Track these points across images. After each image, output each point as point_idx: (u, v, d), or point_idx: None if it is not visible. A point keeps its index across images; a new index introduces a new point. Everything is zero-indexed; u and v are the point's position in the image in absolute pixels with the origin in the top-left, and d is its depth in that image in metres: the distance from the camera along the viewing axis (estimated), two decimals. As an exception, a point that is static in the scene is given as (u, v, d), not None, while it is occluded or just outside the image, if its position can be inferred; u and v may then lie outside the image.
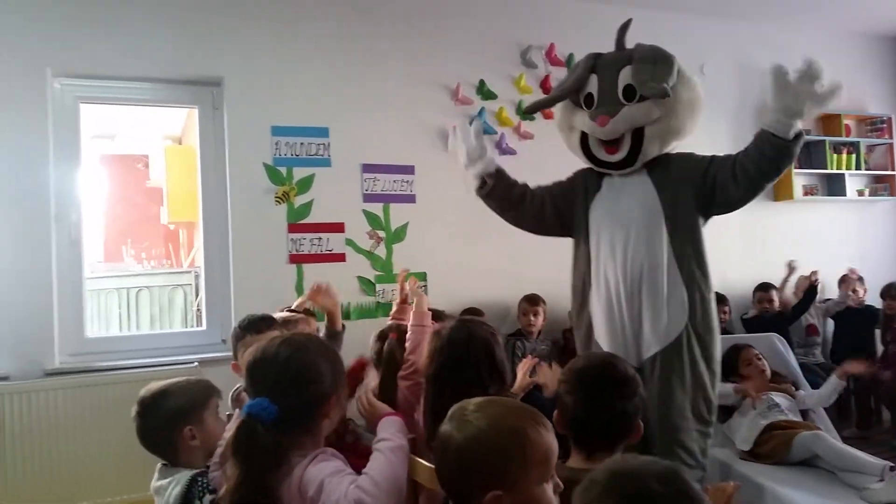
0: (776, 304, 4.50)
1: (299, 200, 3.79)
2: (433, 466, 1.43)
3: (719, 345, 2.20)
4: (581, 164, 2.53)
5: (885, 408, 4.42)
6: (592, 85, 2.30)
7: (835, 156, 5.10)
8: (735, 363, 3.17)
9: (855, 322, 4.62)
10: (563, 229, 2.51)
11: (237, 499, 1.27)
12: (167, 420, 1.69)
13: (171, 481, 1.65)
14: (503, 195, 2.52)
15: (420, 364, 1.99)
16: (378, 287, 3.93)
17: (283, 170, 3.77)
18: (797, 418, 3.04)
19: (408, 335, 2.07)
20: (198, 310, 4.82)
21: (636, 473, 1.00)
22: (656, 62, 2.17)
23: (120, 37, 3.50)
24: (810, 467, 2.72)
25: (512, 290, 4.13)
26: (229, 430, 1.37)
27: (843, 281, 4.73)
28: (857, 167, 5.18)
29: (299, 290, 3.69)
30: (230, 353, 2.38)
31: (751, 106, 4.81)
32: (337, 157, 3.88)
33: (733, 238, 4.52)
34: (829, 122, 5.22)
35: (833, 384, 3.12)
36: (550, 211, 2.50)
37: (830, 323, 4.81)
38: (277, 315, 2.41)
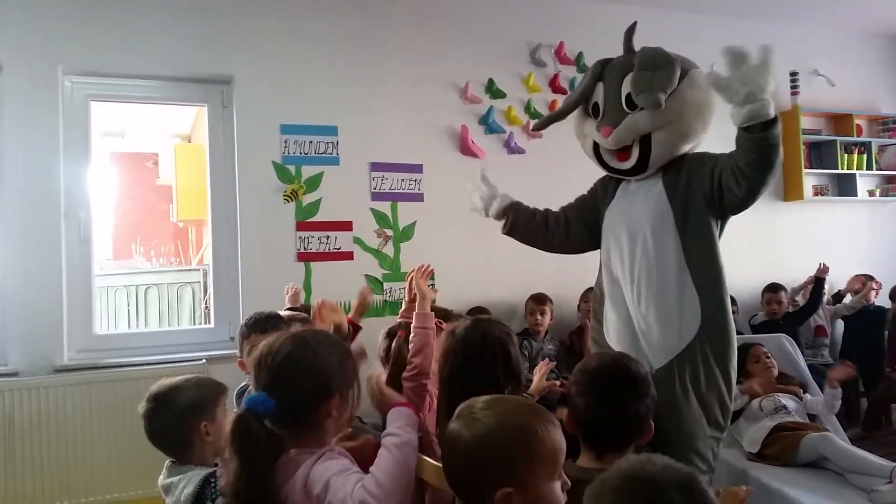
0: (785, 305, 4.48)
1: (308, 199, 3.80)
2: (440, 465, 1.43)
3: (735, 349, 2.17)
4: (589, 163, 2.51)
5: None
6: (599, 94, 2.28)
7: (846, 156, 5.06)
8: (742, 360, 3.16)
9: (865, 323, 4.59)
10: (596, 242, 2.47)
11: (237, 489, 1.28)
12: (181, 414, 1.69)
13: (181, 479, 1.64)
14: (525, 224, 2.50)
15: (423, 366, 1.98)
16: (386, 286, 3.94)
17: (292, 168, 3.78)
18: (804, 419, 3.03)
19: (411, 337, 2.06)
20: (206, 307, 4.85)
21: (654, 480, 0.97)
22: (657, 69, 2.13)
23: (130, 35, 3.51)
24: (818, 469, 2.71)
25: (519, 290, 4.12)
26: (227, 424, 1.38)
27: (858, 285, 4.70)
28: (869, 167, 5.13)
29: (307, 288, 3.70)
30: (238, 351, 2.39)
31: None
32: (345, 155, 3.89)
33: (742, 238, 4.50)
34: (841, 122, 5.18)
35: (830, 395, 3.11)
36: (577, 227, 2.48)
37: (840, 324, 4.78)
38: (284, 313, 2.41)
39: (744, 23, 4.83)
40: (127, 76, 3.60)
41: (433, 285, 3.85)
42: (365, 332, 2.55)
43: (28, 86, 3.34)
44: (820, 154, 5.10)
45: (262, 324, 2.25)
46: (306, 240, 3.79)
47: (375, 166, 3.96)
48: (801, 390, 3.22)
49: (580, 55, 4.38)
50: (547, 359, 2.47)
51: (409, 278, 2.62)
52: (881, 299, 4.69)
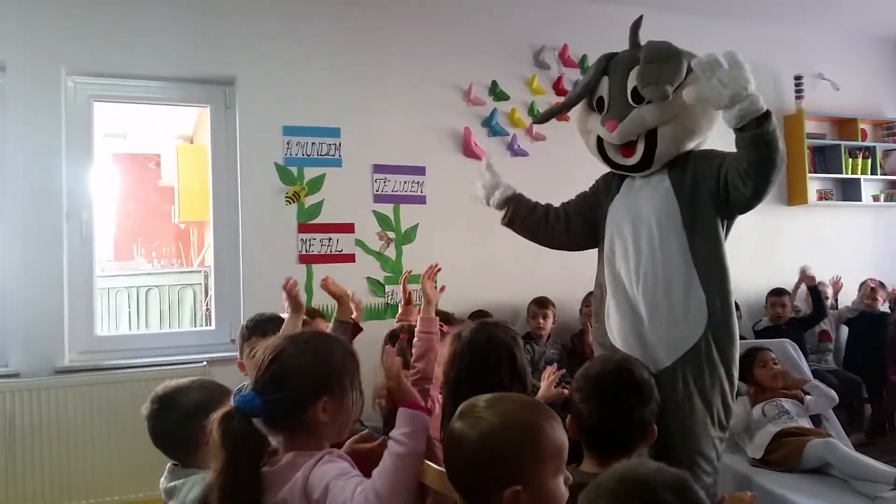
0: (789, 309, 4.46)
1: (310, 200, 3.79)
2: (442, 469, 1.42)
3: (738, 349, 2.16)
4: (593, 165, 2.49)
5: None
6: (604, 88, 2.25)
7: (850, 160, 5.05)
8: (750, 363, 3.14)
9: (867, 326, 4.57)
10: (595, 240, 2.44)
11: (220, 484, 1.28)
12: (186, 416, 1.67)
13: (185, 483, 1.62)
14: (526, 216, 2.47)
15: (426, 371, 1.97)
16: (388, 288, 3.92)
17: (294, 170, 3.78)
18: (808, 424, 3.02)
19: (415, 341, 2.05)
20: (207, 309, 4.84)
21: (648, 482, 0.98)
22: (665, 61, 2.11)
23: (133, 35, 3.51)
24: (822, 475, 2.70)
25: (521, 293, 4.11)
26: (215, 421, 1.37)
27: (862, 287, 4.69)
28: (873, 172, 5.12)
29: (309, 290, 3.69)
30: (238, 353, 2.38)
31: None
32: (348, 157, 3.88)
33: (746, 242, 4.47)
34: (845, 126, 5.17)
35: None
36: (577, 222, 2.44)
37: (844, 329, 4.76)
38: (285, 316, 2.40)
39: (748, 26, 4.82)
40: (129, 77, 3.60)
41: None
42: (366, 335, 2.54)
43: (31, 86, 3.34)
44: (824, 158, 5.10)
45: (263, 326, 2.25)
46: (308, 242, 3.78)
47: (378, 168, 3.95)
48: (803, 394, 3.20)
49: (584, 58, 4.37)
50: (556, 364, 2.43)
51: (403, 282, 2.61)
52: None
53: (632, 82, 2.17)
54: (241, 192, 3.70)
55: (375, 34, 3.98)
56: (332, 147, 3.86)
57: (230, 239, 3.74)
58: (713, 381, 2.07)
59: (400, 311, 2.66)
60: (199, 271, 5.63)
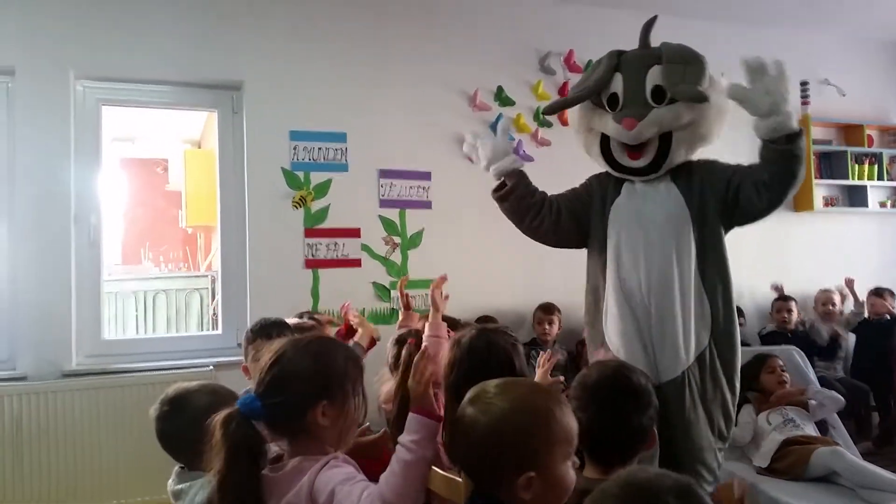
0: (794, 315, 4.45)
1: (316, 205, 3.80)
2: (447, 475, 1.42)
3: (739, 359, 2.15)
4: (599, 169, 2.43)
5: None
6: (617, 84, 2.17)
7: (856, 166, 5.03)
8: (757, 370, 3.13)
9: (874, 331, 4.54)
10: (581, 239, 2.37)
11: (220, 486, 1.29)
12: (195, 419, 1.67)
13: (192, 485, 1.63)
14: (521, 198, 2.35)
15: (437, 373, 1.96)
16: (393, 293, 3.92)
17: (301, 174, 3.79)
18: (814, 432, 3.00)
19: (424, 345, 2.04)
20: (214, 313, 4.85)
21: (652, 487, 0.98)
22: (688, 63, 2.06)
23: (142, 40, 3.53)
24: (829, 483, 2.69)
25: (527, 299, 4.11)
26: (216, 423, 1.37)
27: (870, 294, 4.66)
28: (880, 178, 5.09)
29: (315, 294, 3.70)
30: (243, 357, 2.38)
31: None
32: (354, 162, 3.89)
33: (751, 249, 4.45)
34: (852, 133, 5.15)
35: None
36: (567, 219, 2.35)
37: (852, 337, 4.73)
38: (291, 321, 2.41)
39: (756, 30, 4.80)
40: (138, 81, 3.62)
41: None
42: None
43: (40, 90, 3.37)
44: (830, 165, 5.07)
45: (268, 330, 2.25)
46: (314, 246, 3.79)
47: (384, 173, 3.96)
48: (809, 401, 3.18)
49: (589, 63, 4.33)
50: (549, 352, 2.33)
51: (401, 287, 2.61)
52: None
53: (652, 81, 2.11)
54: (248, 196, 3.71)
55: (382, 40, 4.00)
56: (339, 152, 3.87)
57: (237, 243, 3.75)
58: (715, 390, 2.07)
59: (400, 317, 2.66)
60: (207, 275, 5.63)
